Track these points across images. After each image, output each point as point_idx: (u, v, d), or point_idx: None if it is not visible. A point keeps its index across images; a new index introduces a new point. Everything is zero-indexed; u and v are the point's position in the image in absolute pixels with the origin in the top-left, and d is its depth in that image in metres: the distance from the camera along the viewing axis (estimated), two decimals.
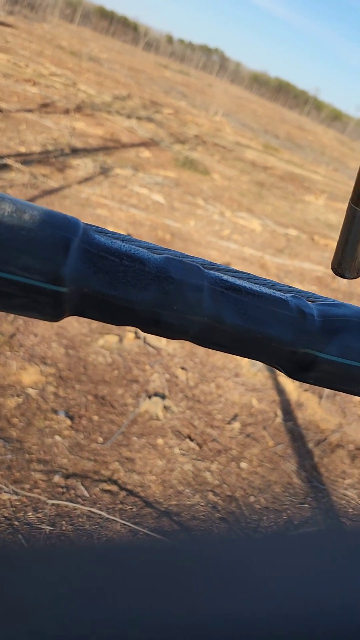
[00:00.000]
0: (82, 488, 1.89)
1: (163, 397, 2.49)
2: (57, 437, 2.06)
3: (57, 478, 1.89)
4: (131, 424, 2.27)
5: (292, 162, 12.78)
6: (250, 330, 0.30)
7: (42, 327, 2.62)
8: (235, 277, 0.32)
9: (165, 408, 2.43)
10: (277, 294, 0.32)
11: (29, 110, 6.68)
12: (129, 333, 2.84)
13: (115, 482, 1.98)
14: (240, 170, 8.78)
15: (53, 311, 0.26)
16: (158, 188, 5.70)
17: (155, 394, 2.48)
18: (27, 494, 1.79)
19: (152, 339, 2.89)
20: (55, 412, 2.16)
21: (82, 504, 1.84)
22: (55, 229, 0.25)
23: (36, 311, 0.26)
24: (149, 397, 2.45)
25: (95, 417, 2.24)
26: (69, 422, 2.15)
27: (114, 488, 1.95)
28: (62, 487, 1.87)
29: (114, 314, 0.28)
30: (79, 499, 1.85)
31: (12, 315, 2.60)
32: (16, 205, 0.25)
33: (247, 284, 0.31)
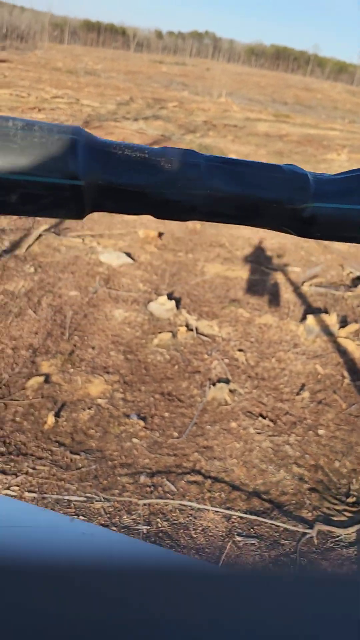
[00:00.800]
0: (169, 483, 1.93)
1: (227, 381, 2.50)
2: (135, 440, 2.10)
3: (142, 478, 1.93)
4: (202, 414, 2.30)
5: (306, 125, 12.50)
6: (251, 196, 0.33)
7: (97, 339, 2.68)
8: (236, 159, 0.35)
9: (232, 392, 2.44)
10: (271, 163, 0.34)
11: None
12: (181, 327, 2.86)
13: (199, 472, 2.01)
14: (255, 144, 8.67)
15: (76, 206, 0.29)
16: None
17: (219, 380, 2.50)
18: (118, 498, 1.84)
19: (204, 329, 2.91)
20: (127, 416, 2.22)
21: (172, 499, 1.88)
22: (61, 133, 0.28)
23: (62, 208, 0.29)
24: (213, 384, 2.47)
25: (166, 414, 2.27)
26: (142, 423, 2.19)
27: (199, 478, 1.98)
28: (150, 486, 1.91)
29: (127, 201, 0.31)
30: (168, 495, 1.89)
31: (67, 333, 2.67)
32: (25, 121, 0.28)
33: (239, 159, 0.34)
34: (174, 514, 1.82)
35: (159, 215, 0.32)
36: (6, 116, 0.28)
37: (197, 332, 2.86)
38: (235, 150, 7.88)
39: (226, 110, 12.67)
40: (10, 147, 0.27)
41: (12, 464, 1.90)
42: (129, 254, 3.71)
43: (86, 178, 0.29)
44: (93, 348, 2.61)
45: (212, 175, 0.32)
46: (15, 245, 3.57)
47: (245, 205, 0.33)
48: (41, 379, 2.33)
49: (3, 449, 1.96)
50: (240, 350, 2.77)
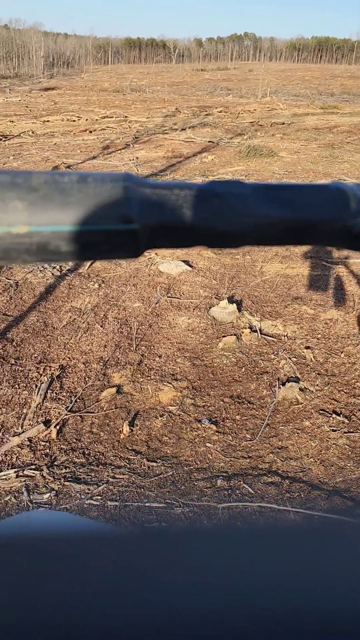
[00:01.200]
0: (246, 486, 1.93)
1: (297, 380, 2.48)
2: (208, 444, 2.12)
3: (219, 482, 1.95)
4: (273, 415, 2.29)
5: (355, 113, 12.18)
6: (297, 219, 0.34)
7: (163, 347, 2.73)
8: (279, 184, 0.36)
9: (302, 390, 2.41)
10: (316, 183, 0.35)
11: (93, 157, 7.02)
12: (245, 330, 2.86)
13: (275, 473, 2.00)
14: (305, 140, 8.54)
15: (132, 247, 0.31)
16: None
17: (288, 380, 2.48)
18: (197, 503, 1.86)
19: (268, 329, 2.89)
20: (199, 421, 2.24)
21: (251, 501, 1.88)
22: (113, 181, 0.31)
23: (120, 250, 0.31)
24: (283, 384, 2.45)
25: (237, 417, 2.28)
26: (214, 427, 2.21)
27: (276, 479, 1.97)
28: (227, 490, 1.92)
29: (179, 237, 0.33)
30: (246, 497, 1.89)
31: (134, 344, 2.74)
32: (79, 174, 0.31)
33: (284, 183, 0.35)
34: (254, 517, 1.82)
35: (211, 246, 0.34)
36: (62, 172, 0.31)
37: (261, 333, 2.85)
38: (285, 147, 7.80)
39: (272, 109, 12.57)
40: (69, 201, 0.30)
41: (92, 474, 1.97)
42: (187, 262, 3.75)
43: (140, 221, 0.31)
44: (160, 356, 2.66)
45: (258, 203, 0.33)
46: (78, 263, 3.70)
47: (294, 228, 0.34)
48: (113, 390, 2.40)
49: (83, 460, 2.03)
50: (307, 347, 2.74)
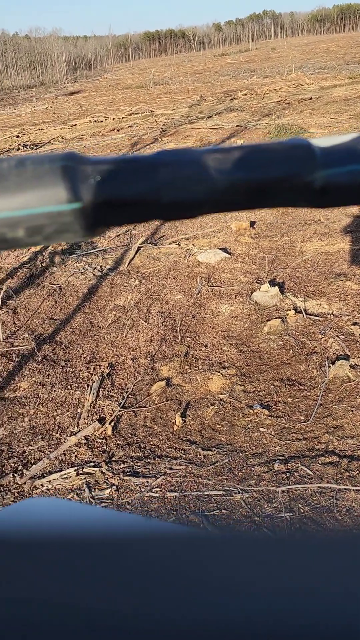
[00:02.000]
0: (304, 467, 1.92)
1: (346, 357, 2.44)
2: (262, 429, 2.12)
3: (277, 465, 1.94)
4: (325, 394, 2.26)
5: None
6: (255, 179, 0.32)
7: (208, 337, 2.73)
8: (232, 146, 0.34)
9: (353, 367, 2.37)
10: (273, 142, 0.33)
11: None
12: (289, 312, 2.83)
13: (333, 453, 1.98)
14: (335, 112, 8.32)
15: (81, 227, 0.31)
16: None
17: (338, 358, 2.44)
18: (256, 488, 1.86)
19: (313, 309, 2.85)
20: (250, 407, 2.24)
21: (310, 483, 1.87)
22: (52, 162, 0.30)
23: (68, 232, 0.30)
24: (333, 362, 2.42)
25: (289, 399, 2.26)
26: (266, 412, 2.20)
27: (334, 458, 1.95)
28: (285, 473, 1.91)
29: (133, 212, 0.32)
30: (305, 479, 1.88)
31: (179, 336, 2.75)
32: (18, 158, 0.31)
33: (237, 145, 0.33)
34: (314, 498, 1.81)
35: (168, 218, 0.33)
36: (1, 158, 0.31)
37: (306, 314, 2.82)
38: (315, 122, 7.63)
39: (299, 85, 12.30)
40: (7, 185, 0.30)
41: (150, 467, 2.00)
42: (225, 249, 3.73)
43: (83, 199, 0.30)
44: (206, 346, 2.67)
45: (210, 168, 0.32)
46: (118, 262, 3.74)
47: (253, 190, 0.33)
48: (163, 383, 2.42)
49: (140, 454, 2.06)
50: (355, 324, 2.69)
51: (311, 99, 9.99)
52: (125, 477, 1.95)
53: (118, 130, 8.95)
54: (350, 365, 2.38)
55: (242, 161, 0.33)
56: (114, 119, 10.32)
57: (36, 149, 8.24)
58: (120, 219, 0.32)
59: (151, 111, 10.67)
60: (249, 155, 0.33)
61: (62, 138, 8.96)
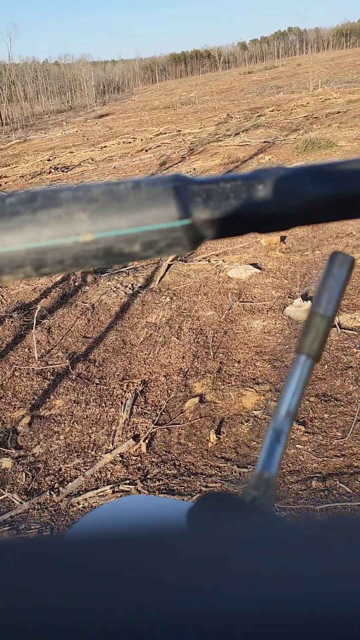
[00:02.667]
0: (343, 485, 1.88)
1: None
2: (298, 446, 2.09)
3: (314, 483, 1.90)
4: None
5: None
6: (343, 192, 0.34)
7: (241, 352, 2.72)
8: (322, 163, 0.36)
9: None
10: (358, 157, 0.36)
11: (152, 175, 7.16)
12: None
13: None
14: None
15: (188, 241, 0.34)
16: None
17: None
18: (294, 506, 1.83)
19: (347, 322, 2.81)
20: None
21: (350, 501, 1.82)
22: (164, 183, 0.33)
23: (177, 246, 0.33)
24: None
25: (325, 415, 2.22)
26: (302, 428, 2.17)
27: None
28: (323, 491, 1.88)
29: (231, 226, 0.34)
30: (344, 497, 1.84)
31: (212, 352, 2.75)
32: (133, 181, 0.34)
33: (328, 161, 0.36)
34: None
35: (263, 231, 0.35)
36: (118, 181, 0.34)
37: (340, 328, 2.78)
38: (343, 136, 7.60)
39: (326, 100, 12.29)
40: (126, 206, 0.33)
41: (185, 484, 1.98)
42: (255, 265, 3.72)
43: (192, 216, 0.33)
44: (239, 362, 2.65)
45: (302, 183, 0.34)
46: (149, 280, 3.77)
47: (341, 202, 0.35)
48: (196, 399, 2.42)
49: (175, 471, 2.05)
50: None
51: (339, 112, 9.97)
52: (160, 495, 1.94)
53: (146, 151, 9.08)
54: None
55: (332, 176, 0.35)
56: (142, 139, 10.48)
57: (67, 172, 8.42)
58: (222, 233, 0.35)
59: (178, 130, 10.80)
60: (338, 170, 0.35)
61: (92, 160, 9.14)
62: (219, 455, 2.10)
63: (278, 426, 0.39)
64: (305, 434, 2.13)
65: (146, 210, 0.33)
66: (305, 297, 3.11)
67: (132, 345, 2.95)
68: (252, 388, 2.44)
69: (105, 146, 10.45)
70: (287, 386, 0.39)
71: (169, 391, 2.52)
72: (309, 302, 3.01)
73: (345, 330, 2.75)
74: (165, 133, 10.83)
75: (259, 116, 11.21)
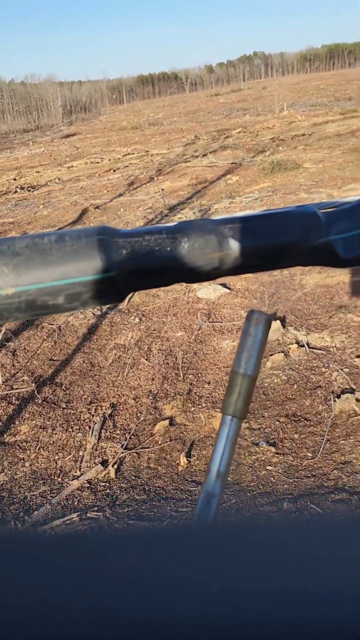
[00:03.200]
0: (313, 506, 1.87)
1: (352, 391, 2.40)
2: (269, 467, 2.07)
3: (286, 505, 1.89)
4: (332, 429, 2.22)
5: None
6: (268, 246, 0.36)
7: (211, 373, 2.70)
8: (247, 215, 0.37)
9: (359, 401, 2.34)
10: (281, 209, 0.37)
11: (120, 195, 7.17)
12: (292, 346, 2.81)
13: (342, 490, 1.92)
14: (328, 147, 8.48)
15: (113, 293, 0.34)
16: (258, 203, 5.71)
17: (343, 392, 2.41)
18: None
19: (316, 342, 2.83)
20: (256, 444, 2.19)
21: None
22: (88, 236, 0.34)
23: (103, 297, 0.34)
24: (338, 396, 2.38)
25: (296, 436, 2.22)
26: (273, 449, 2.16)
27: (344, 496, 1.90)
28: (294, 512, 1.86)
29: (157, 278, 0.35)
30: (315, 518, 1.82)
31: (182, 373, 2.72)
32: (57, 233, 0.34)
33: (251, 213, 0.37)
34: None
35: (188, 281, 0.36)
36: (42, 233, 0.35)
37: (309, 347, 2.79)
38: (308, 158, 7.77)
39: (291, 122, 12.58)
40: (50, 260, 0.33)
41: (155, 510, 1.94)
42: (224, 285, 3.74)
43: (116, 269, 0.34)
44: (209, 383, 2.64)
45: (226, 236, 0.35)
46: None
47: (266, 255, 0.36)
48: (166, 422, 2.38)
49: (144, 497, 2.01)
50: (358, 356, 2.66)
51: (304, 135, 10.21)
52: (130, 522, 1.90)
53: (114, 171, 9.10)
54: (356, 399, 2.34)
55: (255, 230, 0.36)
56: (110, 159, 10.51)
57: (33, 191, 8.36)
58: (147, 284, 0.36)
59: (146, 151, 10.88)
60: (259, 223, 0.36)
61: (58, 179, 9.11)
62: (189, 479, 2.07)
63: (209, 489, 0.37)
64: (276, 455, 2.12)
65: (70, 263, 0.33)
66: (274, 317, 3.12)
67: (101, 367, 2.91)
68: None
69: (72, 166, 10.44)
70: (216, 447, 0.38)
71: (139, 414, 2.48)
72: (278, 322, 3.02)
73: (314, 350, 2.77)
74: (133, 153, 10.89)
75: (226, 138, 11.39)
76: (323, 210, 0.38)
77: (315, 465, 2.05)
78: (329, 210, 0.39)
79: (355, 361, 2.62)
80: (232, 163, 8.20)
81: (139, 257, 0.34)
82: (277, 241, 0.36)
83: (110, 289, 0.34)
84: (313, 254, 0.37)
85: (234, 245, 0.35)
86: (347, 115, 12.53)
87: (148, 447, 2.26)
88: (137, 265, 0.34)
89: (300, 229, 0.36)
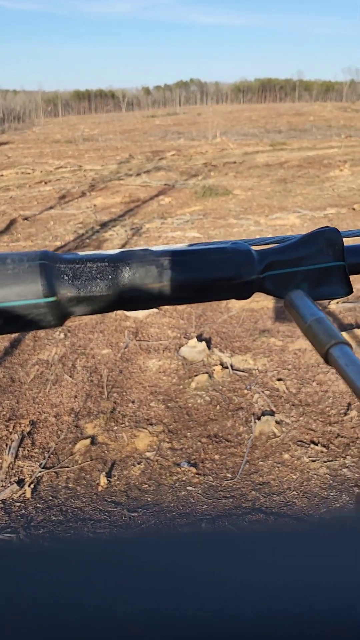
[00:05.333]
0: (231, 526, 1.88)
1: (272, 413, 2.47)
2: (189, 488, 2.08)
3: (204, 525, 1.90)
4: (252, 451, 2.26)
5: (303, 148, 12.66)
6: (202, 280, 0.37)
7: (136, 392, 2.69)
8: (186, 249, 0.40)
9: (278, 423, 2.40)
10: (217, 245, 0.40)
11: (50, 208, 7.06)
12: (216, 367, 2.86)
13: (259, 510, 1.96)
14: (257, 176, 8.79)
15: (53, 317, 0.35)
16: (189, 225, 5.81)
17: (263, 414, 2.47)
18: None
19: (239, 364, 2.90)
20: (177, 465, 2.20)
21: None
22: (30, 260, 0.34)
23: (42, 321, 0.35)
24: (259, 418, 2.44)
25: (216, 457, 2.24)
26: (194, 470, 2.17)
27: (260, 516, 1.94)
28: (212, 533, 1.87)
29: (96, 305, 0.36)
30: None
31: (106, 392, 2.69)
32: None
33: (189, 247, 0.39)
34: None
35: (128, 309, 0.37)
36: None
37: (232, 369, 2.85)
38: (239, 185, 8.01)
39: (224, 149, 12.95)
40: None
41: (72, 531, 1.89)
42: None
43: (57, 294, 0.34)
44: (133, 402, 2.62)
45: (166, 268, 0.37)
46: None
47: (200, 288, 0.38)
48: (87, 441, 2.34)
49: (61, 517, 1.95)
50: (279, 379, 2.74)
51: (235, 162, 10.53)
52: (44, 544, 1.83)
53: (46, 183, 8.97)
54: (275, 421, 2.41)
55: (190, 264, 0.38)
56: (41, 171, 10.35)
57: None
58: (87, 310, 0.36)
59: (80, 166, 10.81)
60: (196, 259, 0.38)
61: None
62: (108, 500, 2.04)
63: None
64: (197, 476, 2.13)
65: (10, 286, 0.33)
66: (200, 338, 3.17)
67: (21, 383, 2.83)
68: (146, 429, 2.42)
69: (2, 175, 10.19)
70: None
71: (59, 432, 2.42)
72: (204, 343, 3.07)
73: (237, 372, 2.82)
74: (66, 167, 10.79)
75: (160, 159, 11.54)
76: (257, 248, 0.40)
77: (234, 486, 2.08)
78: (262, 248, 0.41)
79: (276, 384, 2.70)
80: (165, 184, 8.31)
81: (81, 283, 0.35)
82: (211, 276, 0.37)
83: (50, 314, 0.34)
84: (245, 288, 0.39)
85: (172, 277, 0.37)
86: (276, 147, 13.07)
87: (67, 467, 2.21)
88: (78, 292, 0.35)
89: (234, 265, 0.38)
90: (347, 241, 0.45)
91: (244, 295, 0.40)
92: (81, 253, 0.37)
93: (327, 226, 0.42)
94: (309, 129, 19.18)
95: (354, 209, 6.21)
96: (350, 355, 0.34)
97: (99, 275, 0.35)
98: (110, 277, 0.36)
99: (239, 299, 0.40)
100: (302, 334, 0.39)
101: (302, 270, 0.40)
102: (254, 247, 0.41)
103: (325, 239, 0.41)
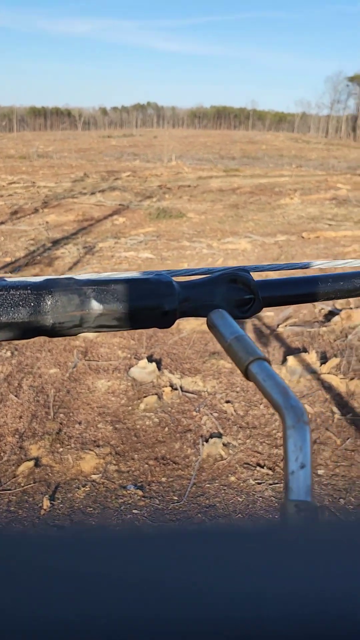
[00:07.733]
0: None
1: (219, 436, 2.48)
2: (135, 511, 2.05)
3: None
4: (199, 473, 2.26)
5: (256, 176, 13.00)
6: (125, 308, 0.39)
7: (83, 413, 2.65)
8: (110, 278, 0.41)
9: (225, 445, 2.42)
10: (141, 276, 0.42)
11: (2, 223, 6.95)
12: (166, 388, 2.85)
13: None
14: (211, 201, 8.95)
15: None
16: (142, 246, 5.83)
17: (211, 436, 2.48)
18: None
19: (189, 386, 2.90)
20: (124, 487, 2.17)
21: None
22: None
23: None
24: (206, 440, 2.44)
25: (164, 479, 2.23)
26: (140, 492, 2.14)
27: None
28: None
29: (20, 331, 0.37)
30: None
31: (52, 412, 2.64)
32: None
33: (114, 277, 0.41)
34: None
35: (50, 336, 0.38)
36: None
37: (182, 391, 2.85)
38: (192, 208, 8.12)
39: (178, 173, 13.13)
40: None
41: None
42: None
43: None
44: (80, 423, 2.58)
45: (89, 297, 0.38)
46: None
47: (121, 317, 0.39)
48: (31, 463, 2.28)
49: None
50: (227, 402, 2.76)
51: (189, 186, 10.69)
52: None
53: None
54: (223, 443, 2.42)
55: (114, 294, 0.39)
56: None
57: None
58: (8, 337, 0.37)
59: (33, 182, 10.72)
60: (119, 289, 0.39)
61: None
62: (51, 523, 1.98)
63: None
64: (143, 499, 2.11)
65: None
66: (150, 359, 3.16)
67: None
68: (92, 451, 2.38)
69: None
70: None
71: (2, 454, 2.35)
72: (154, 364, 3.06)
73: (187, 394, 2.83)
74: (19, 183, 10.67)
75: (115, 179, 11.58)
76: (178, 280, 0.42)
77: (180, 509, 2.07)
78: (184, 280, 0.43)
79: (224, 406, 2.72)
80: (119, 204, 8.34)
81: (2, 310, 0.35)
82: (133, 305, 0.39)
83: None
84: (166, 318, 0.41)
85: (95, 306, 0.38)
86: (229, 173, 13.36)
87: (9, 490, 2.14)
88: (4, 318, 0.36)
89: (155, 295, 0.40)
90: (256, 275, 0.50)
91: (166, 325, 0.42)
92: (8, 279, 0.38)
93: (241, 266, 0.46)
94: (262, 157, 19.73)
95: (302, 237, 6.40)
96: (269, 370, 0.35)
97: (21, 303, 0.36)
98: (32, 304, 0.36)
99: (160, 327, 0.42)
100: (224, 351, 0.41)
101: (220, 296, 0.44)
102: (177, 279, 0.43)
103: (239, 277, 0.44)
